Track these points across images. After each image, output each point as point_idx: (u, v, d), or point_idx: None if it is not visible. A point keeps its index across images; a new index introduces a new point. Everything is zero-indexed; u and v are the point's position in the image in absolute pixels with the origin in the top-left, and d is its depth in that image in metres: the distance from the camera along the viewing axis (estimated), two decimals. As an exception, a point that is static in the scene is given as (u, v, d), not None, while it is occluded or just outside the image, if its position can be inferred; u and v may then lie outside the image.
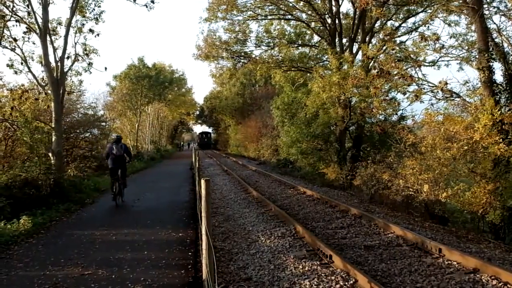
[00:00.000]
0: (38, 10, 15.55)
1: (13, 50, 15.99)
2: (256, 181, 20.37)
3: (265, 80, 49.37)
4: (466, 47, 16.89)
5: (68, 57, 16.91)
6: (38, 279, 6.59)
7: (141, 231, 9.95)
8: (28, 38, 16.38)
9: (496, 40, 14.26)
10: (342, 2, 23.19)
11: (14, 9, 15.45)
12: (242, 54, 28.11)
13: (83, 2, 17.43)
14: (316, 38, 28.46)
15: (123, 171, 13.97)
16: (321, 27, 24.96)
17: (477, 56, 13.89)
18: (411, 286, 5.89)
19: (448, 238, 8.95)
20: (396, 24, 23.06)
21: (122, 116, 43.48)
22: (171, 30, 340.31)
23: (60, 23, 17.46)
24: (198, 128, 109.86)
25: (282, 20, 27.39)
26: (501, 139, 11.68)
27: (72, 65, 17.37)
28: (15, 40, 15.94)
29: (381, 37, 21.13)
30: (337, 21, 23.10)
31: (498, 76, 13.30)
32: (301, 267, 6.75)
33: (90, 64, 18.20)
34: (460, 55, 16.70)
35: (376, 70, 15.66)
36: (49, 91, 16.14)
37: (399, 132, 15.21)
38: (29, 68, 16.27)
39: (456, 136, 12.71)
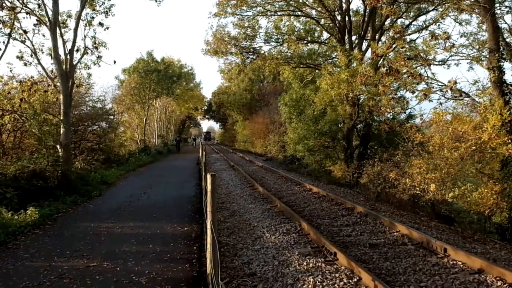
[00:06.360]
0: (48, 2, 15.70)
1: (23, 42, 16.08)
2: (263, 177, 20.38)
3: (273, 77, 49.13)
4: (477, 47, 16.76)
5: (77, 50, 16.97)
6: (44, 270, 6.65)
7: (146, 224, 10.00)
8: (38, 30, 16.48)
9: (507, 40, 14.15)
10: (352, -1, 23.02)
11: (25, 1, 15.53)
12: (251, 50, 28.08)
13: (93, -5, 17.47)
14: (325, 35, 28.41)
15: (179, 145, 52.61)
16: (331, 24, 24.83)
17: (487, 56, 13.75)
18: (415, 285, 5.88)
19: (454, 238, 8.91)
20: (407, 22, 22.99)
21: (130, 109, 43.58)
22: (180, 25, 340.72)
23: (70, 16, 17.52)
24: (206, 123, 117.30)
25: (292, 17, 27.27)
26: (509, 140, 11.58)
27: (81, 58, 17.42)
28: (25, 32, 16.01)
29: (391, 35, 21.00)
30: (347, 18, 22.97)
31: (509, 76, 13.24)
32: (305, 263, 6.76)
33: (99, 57, 18.24)
34: (471, 55, 16.57)
35: (385, 68, 15.58)
36: (58, 84, 16.22)
37: (407, 131, 15.11)
38: (38, 60, 16.35)
39: (464, 136, 12.61)
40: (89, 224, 9.99)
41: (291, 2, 25.08)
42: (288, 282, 6.04)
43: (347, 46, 22.49)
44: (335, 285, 5.84)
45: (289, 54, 27.80)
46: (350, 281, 5.95)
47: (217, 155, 41.94)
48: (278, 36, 27.80)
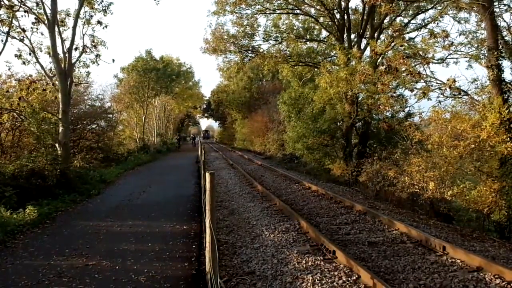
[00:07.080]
0: (47, 0, 15.63)
1: (21, 40, 16.06)
2: (262, 175, 20.37)
3: (272, 75, 49.12)
4: (476, 45, 16.77)
5: (76, 49, 16.97)
6: (43, 268, 6.65)
7: (145, 223, 10.00)
8: (37, 28, 16.49)
9: (506, 38, 14.12)
10: (351, -3, 23.02)
11: (23, -1, 15.51)
12: (250, 48, 28.02)
13: (92, -6, 17.45)
14: (324, 33, 28.35)
15: (179, 143, 63.63)
16: (330, 22, 24.80)
17: (486, 54, 13.75)
18: (414, 283, 5.88)
19: (453, 236, 8.91)
20: (405, 20, 22.91)
21: (129, 108, 43.49)
22: (179, 24, 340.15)
23: (68, 14, 17.52)
24: (205, 122, 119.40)
25: (291, 15, 27.23)
26: (508, 138, 11.56)
27: (80, 56, 17.43)
28: (24, 30, 16.00)
29: (389, 33, 21.00)
30: (345, 17, 22.96)
31: (507, 75, 13.18)
32: (304, 262, 6.76)
33: (97, 55, 18.25)
34: (469, 53, 16.57)
35: (384, 67, 15.56)
36: (57, 82, 16.21)
37: (406, 129, 15.12)
38: (37, 58, 16.35)
39: (463, 134, 12.61)
40: (88, 223, 9.99)
41: (290, 0, 25.03)
42: (287, 280, 6.04)
43: (346, 45, 22.47)
44: (334, 283, 5.85)
45: (288, 52, 27.73)
46: (349, 279, 5.95)
47: (216, 153, 41.93)
48: (277, 34, 27.75)
